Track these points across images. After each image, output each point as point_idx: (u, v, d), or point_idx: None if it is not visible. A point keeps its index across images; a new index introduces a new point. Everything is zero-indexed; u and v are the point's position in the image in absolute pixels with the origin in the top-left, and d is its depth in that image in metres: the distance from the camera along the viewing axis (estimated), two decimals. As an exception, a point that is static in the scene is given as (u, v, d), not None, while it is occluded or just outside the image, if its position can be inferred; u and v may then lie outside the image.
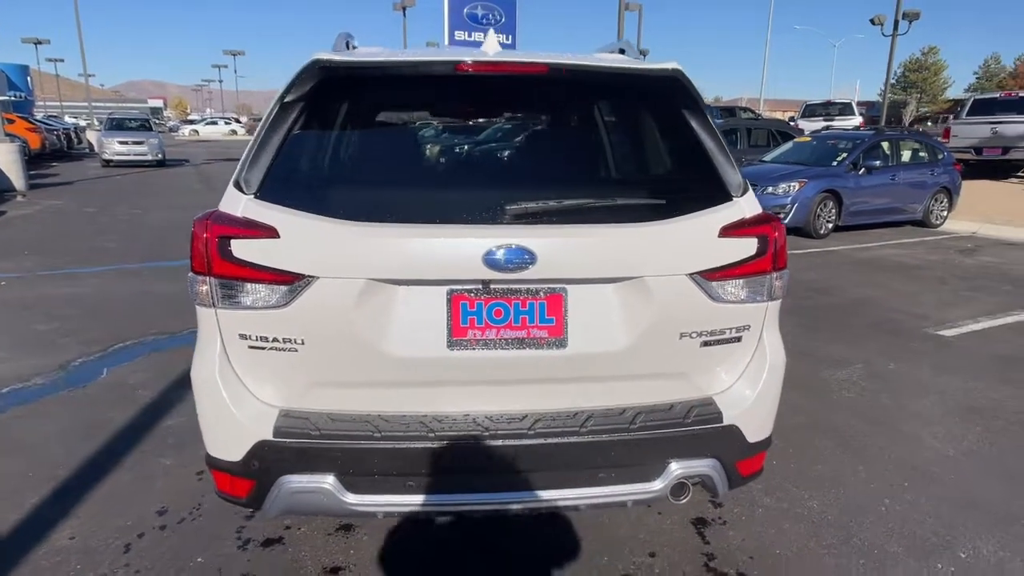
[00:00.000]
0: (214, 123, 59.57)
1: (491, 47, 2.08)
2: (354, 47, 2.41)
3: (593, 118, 2.14)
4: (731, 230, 1.91)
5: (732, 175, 1.97)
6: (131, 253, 7.83)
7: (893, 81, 65.46)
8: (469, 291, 1.82)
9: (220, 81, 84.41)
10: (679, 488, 1.98)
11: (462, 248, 1.77)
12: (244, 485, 1.93)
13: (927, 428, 3.52)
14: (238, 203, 1.84)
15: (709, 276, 1.89)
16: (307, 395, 1.89)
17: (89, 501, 2.74)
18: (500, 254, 1.75)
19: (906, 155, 10.46)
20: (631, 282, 1.85)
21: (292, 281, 1.78)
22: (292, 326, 1.81)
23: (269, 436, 1.83)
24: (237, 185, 1.86)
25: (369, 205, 1.82)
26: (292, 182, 1.88)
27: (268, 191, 1.83)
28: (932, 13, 24.42)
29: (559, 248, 1.79)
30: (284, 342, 1.82)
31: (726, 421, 1.95)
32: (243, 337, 1.85)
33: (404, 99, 2.09)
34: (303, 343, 1.82)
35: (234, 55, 73.47)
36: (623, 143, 2.09)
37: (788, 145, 11.59)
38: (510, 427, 1.85)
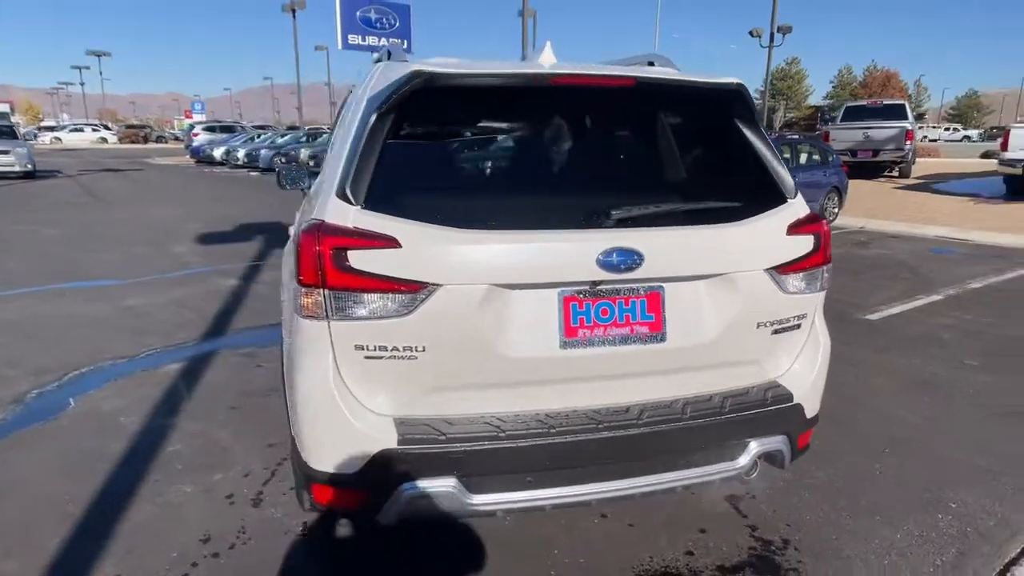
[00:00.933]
0: (79, 130, 54.76)
1: (548, 59, 2.19)
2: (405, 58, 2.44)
3: (665, 127, 2.30)
4: (794, 228, 2.13)
5: (787, 178, 2.20)
6: (43, 273, 7.18)
7: (763, 88, 71.11)
8: (579, 292, 1.92)
9: (83, 84, 77.73)
10: (752, 464, 2.18)
11: (577, 251, 1.87)
12: (357, 496, 1.93)
13: (890, 400, 3.97)
14: (346, 214, 1.84)
15: (781, 270, 2.10)
16: (421, 401, 1.92)
17: (119, 537, 2.57)
18: (613, 256, 1.87)
19: (803, 158, 11.46)
20: (720, 278, 2.03)
21: (416, 290, 1.81)
22: (413, 334, 1.83)
23: (393, 445, 1.84)
24: (343, 196, 1.86)
25: (481, 213, 1.88)
26: (400, 191, 1.91)
27: (376, 201, 1.85)
28: (799, 27, 26.81)
29: (661, 249, 1.93)
30: (404, 350, 1.84)
31: (795, 400, 2.17)
32: (359, 348, 1.85)
33: (498, 109, 2.16)
34: (423, 350, 1.85)
35: (99, 56, 68.00)
36: (692, 150, 2.26)
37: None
38: (617, 419, 1.97)
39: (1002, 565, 2.44)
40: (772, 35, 25.79)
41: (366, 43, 38.19)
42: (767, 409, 2.11)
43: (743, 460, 2.12)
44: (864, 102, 20.42)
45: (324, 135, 22.11)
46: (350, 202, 1.86)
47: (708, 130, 2.23)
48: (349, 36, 38.12)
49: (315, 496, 1.99)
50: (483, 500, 1.92)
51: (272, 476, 3.00)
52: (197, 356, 4.58)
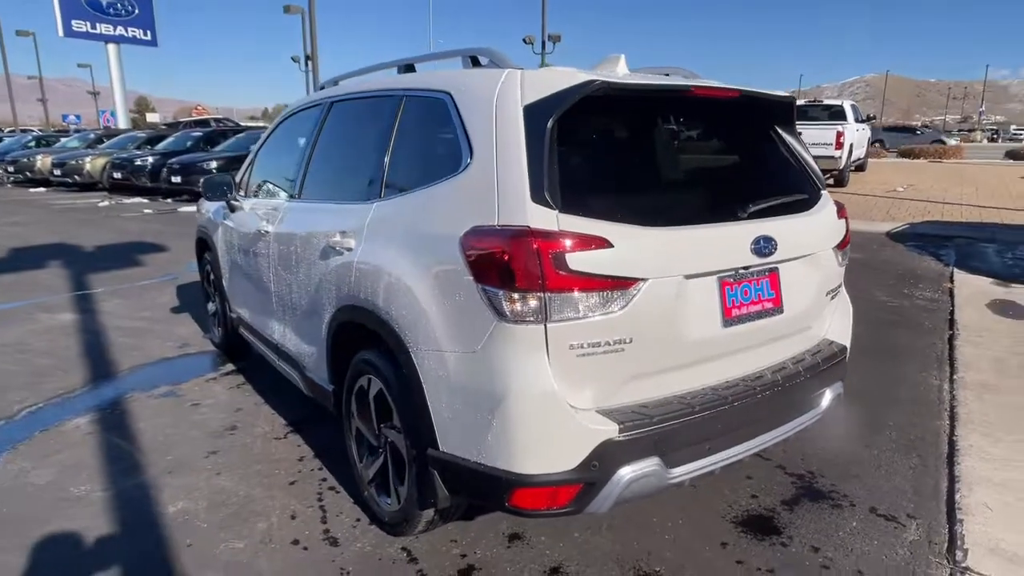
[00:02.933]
0: None
1: (622, 69, 2.43)
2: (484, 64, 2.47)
3: (753, 131, 2.61)
4: (839, 214, 2.62)
5: (819, 173, 2.68)
6: None
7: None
8: (730, 277, 2.18)
9: None
10: (826, 408, 2.62)
11: (736, 241, 2.13)
12: (568, 492, 1.97)
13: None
14: (550, 217, 1.88)
15: (838, 247, 2.58)
16: (620, 391, 2.02)
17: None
18: (760, 243, 2.17)
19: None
20: (811, 257, 2.43)
21: (628, 286, 1.92)
22: (623, 328, 1.94)
23: (614, 434, 1.93)
24: (542, 200, 1.89)
25: (661, 211, 2.05)
26: (589, 194, 1.99)
27: (571, 204, 1.92)
28: (569, 36, 29.47)
29: (784, 235, 2.27)
30: (614, 344, 1.94)
31: (847, 352, 2.67)
32: (574, 347, 1.90)
33: (646, 115, 2.30)
34: (631, 342, 1.96)
35: None
36: (772, 150, 2.62)
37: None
38: (758, 383, 2.27)
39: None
40: (543, 43, 27.92)
41: (97, 31, 32.67)
42: (836, 361, 2.57)
43: (824, 405, 2.56)
44: (802, 101, 17.36)
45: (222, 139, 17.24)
46: (550, 206, 1.89)
47: (777, 133, 2.61)
48: (73, 22, 32.38)
49: (518, 502, 1.98)
50: (677, 472, 2.08)
51: (324, 512, 2.77)
52: (102, 406, 3.88)
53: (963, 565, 2.42)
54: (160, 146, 19.19)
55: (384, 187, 2.54)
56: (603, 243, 1.89)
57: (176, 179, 15.76)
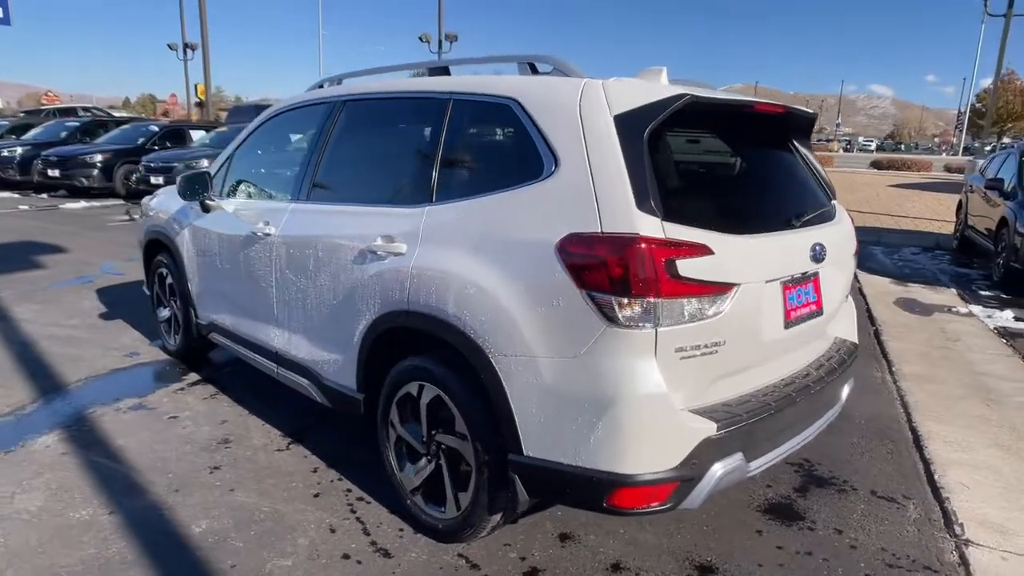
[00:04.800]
0: None
1: (664, 81, 2.57)
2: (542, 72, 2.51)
3: (784, 145, 2.78)
4: (850, 223, 2.88)
5: (831, 184, 2.93)
6: None
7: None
8: (788, 282, 2.35)
9: None
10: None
11: (801, 247, 2.31)
12: (665, 490, 2.05)
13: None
14: (656, 225, 1.96)
15: (855, 253, 2.83)
16: (708, 391, 2.12)
17: None
18: (817, 249, 2.36)
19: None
20: (841, 261, 2.65)
21: (726, 292, 2.03)
22: (720, 330, 2.05)
23: (712, 432, 2.03)
24: (647, 208, 1.96)
25: (742, 219, 2.18)
26: (683, 202, 2.08)
27: (671, 212, 2.00)
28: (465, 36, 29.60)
29: (829, 241, 2.48)
30: (711, 346, 2.04)
31: (857, 350, 2.93)
32: (679, 350, 1.99)
33: (716, 129, 2.40)
34: (724, 343, 2.07)
35: None
36: (803, 162, 2.81)
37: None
38: (807, 379, 2.46)
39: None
40: (440, 41, 27.85)
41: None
42: (853, 357, 2.82)
43: (843, 398, 2.80)
44: None
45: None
46: (654, 214, 1.96)
47: (800, 147, 2.82)
48: None
49: (618, 502, 2.03)
50: (754, 466, 2.22)
51: (362, 524, 2.69)
52: (66, 422, 3.53)
53: (964, 538, 2.74)
54: (28, 136, 17.39)
55: (435, 191, 2.51)
56: (706, 250, 1.99)
57: (53, 172, 14.32)
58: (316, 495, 2.89)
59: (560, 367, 2.05)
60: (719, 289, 2.02)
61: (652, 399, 1.96)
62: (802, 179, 2.69)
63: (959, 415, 3.99)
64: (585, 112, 2.13)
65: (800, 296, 2.41)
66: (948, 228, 11.25)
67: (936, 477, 3.23)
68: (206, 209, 3.77)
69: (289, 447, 3.33)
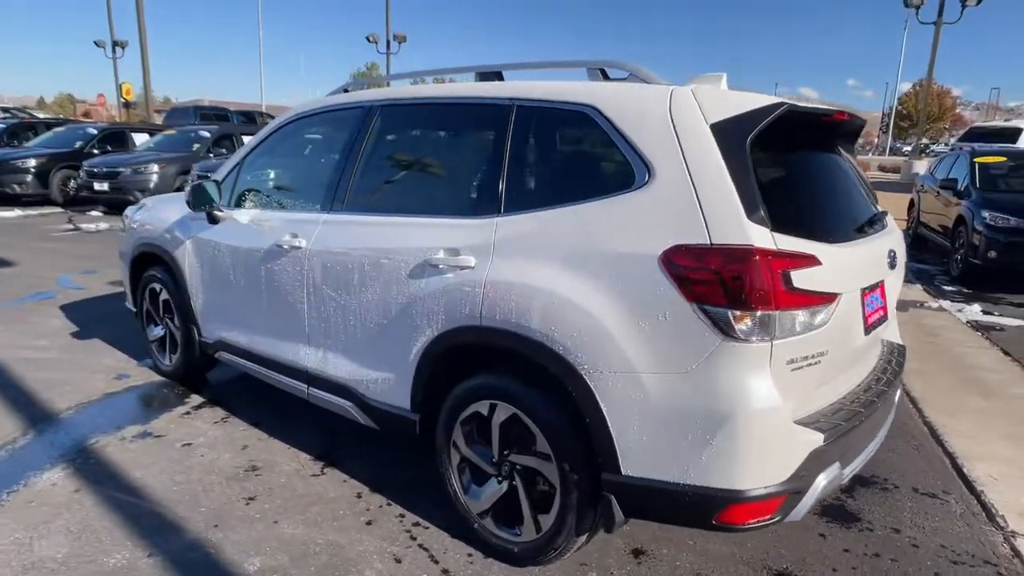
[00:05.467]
0: None
1: (724, 86, 2.57)
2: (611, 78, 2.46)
3: (843, 153, 2.79)
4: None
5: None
6: None
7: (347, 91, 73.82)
8: (865, 288, 2.36)
9: None
10: None
11: (880, 254, 2.34)
12: (774, 504, 2.02)
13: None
14: (767, 236, 1.93)
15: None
16: (809, 401, 2.11)
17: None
18: (890, 256, 2.39)
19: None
20: (900, 265, 2.69)
21: (831, 301, 2.02)
22: (824, 340, 2.04)
23: (820, 443, 2.01)
24: (757, 219, 1.93)
25: (834, 228, 2.19)
26: (785, 212, 2.05)
27: (777, 223, 1.98)
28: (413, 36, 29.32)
29: (897, 248, 2.52)
30: (816, 356, 2.03)
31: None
32: (790, 362, 1.96)
33: (802, 138, 2.40)
34: (826, 353, 2.06)
35: None
36: (854, 169, 2.82)
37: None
38: (879, 384, 2.48)
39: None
40: (388, 42, 27.47)
41: None
42: (904, 358, 2.87)
43: (896, 400, 2.84)
44: None
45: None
46: (764, 225, 1.93)
47: (849, 153, 2.85)
48: None
49: (728, 518, 1.99)
50: (846, 473, 2.21)
51: (427, 551, 2.57)
52: (68, 455, 3.24)
53: (1010, 530, 2.83)
54: (-56, 141, 16.15)
55: (504, 201, 2.41)
56: (814, 260, 1.97)
57: (-24, 179, 13.30)
58: (368, 523, 2.75)
59: (668, 383, 1.99)
60: (826, 299, 2.01)
61: (769, 413, 1.93)
62: (859, 186, 2.72)
63: (963, 408, 4.15)
64: (678, 120, 2.09)
65: (873, 302, 2.43)
66: (899, 225, 11.80)
67: (965, 471, 3.34)
68: (214, 220, 3.55)
69: (324, 471, 3.16)
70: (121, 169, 11.77)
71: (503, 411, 2.39)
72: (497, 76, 2.76)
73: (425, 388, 2.62)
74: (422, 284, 2.55)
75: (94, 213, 12.24)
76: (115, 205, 12.27)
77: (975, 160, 8.46)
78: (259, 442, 3.46)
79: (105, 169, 11.95)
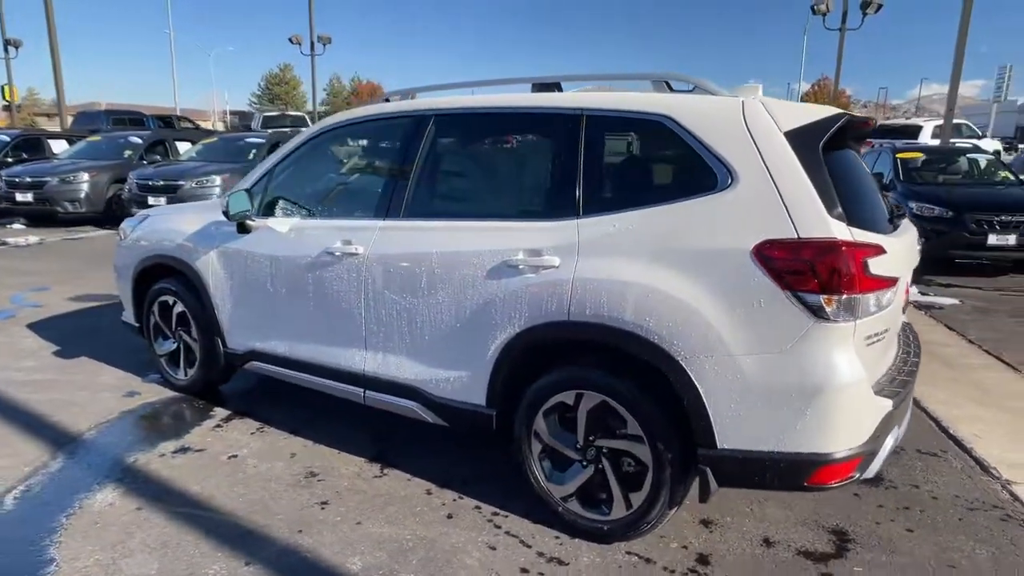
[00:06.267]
0: None
1: (760, 93, 2.86)
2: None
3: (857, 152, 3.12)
4: None
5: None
6: None
7: (260, 93, 71.08)
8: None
9: None
10: None
11: (912, 243, 2.71)
12: (855, 463, 2.29)
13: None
14: (846, 230, 2.20)
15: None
16: (874, 372, 2.40)
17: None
18: (920, 244, 2.73)
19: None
20: (915, 252, 3.05)
21: (894, 284, 2.32)
22: (887, 319, 2.35)
23: (890, 408, 2.30)
24: (837, 215, 2.20)
25: (879, 221, 2.50)
26: (852, 209, 2.32)
27: (850, 218, 2.26)
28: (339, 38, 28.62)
29: (916, 238, 2.87)
30: (882, 333, 2.34)
31: (908, 327, 3.38)
32: (867, 338, 2.25)
33: (842, 141, 2.67)
34: (889, 330, 2.37)
35: None
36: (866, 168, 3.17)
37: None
38: (908, 357, 2.82)
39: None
40: (312, 44, 26.85)
41: None
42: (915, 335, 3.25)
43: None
44: None
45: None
46: (842, 220, 2.21)
47: (857, 152, 3.19)
48: None
49: (818, 479, 2.24)
50: (900, 435, 2.53)
51: (515, 537, 2.71)
52: (113, 475, 3.16)
53: (1004, 479, 3.26)
54: None
55: (583, 204, 2.58)
56: (882, 250, 2.26)
57: None
58: (449, 516, 2.86)
59: (764, 362, 2.23)
60: (891, 283, 2.31)
61: (855, 384, 2.20)
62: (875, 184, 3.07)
63: (936, 379, 4.65)
64: (753, 129, 2.33)
65: (905, 286, 2.77)
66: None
67: (951, 432, 3.78)
68: (245, 230, 3.53)
69: (384, 472, 3.23)
70: (47, 179, 11.06)
71: (589, 399, 2.57)
72: (556, 87, 2.93)
73: (504, 383, 2.76)
74: (500, 284, 2.68)
75: (17, 226, 11.41)
76: (40, 217, 11.55)
77: (897, 156, 9.29)
78: (305, 449, 3.47)
79: (28, 179, 11.19)
